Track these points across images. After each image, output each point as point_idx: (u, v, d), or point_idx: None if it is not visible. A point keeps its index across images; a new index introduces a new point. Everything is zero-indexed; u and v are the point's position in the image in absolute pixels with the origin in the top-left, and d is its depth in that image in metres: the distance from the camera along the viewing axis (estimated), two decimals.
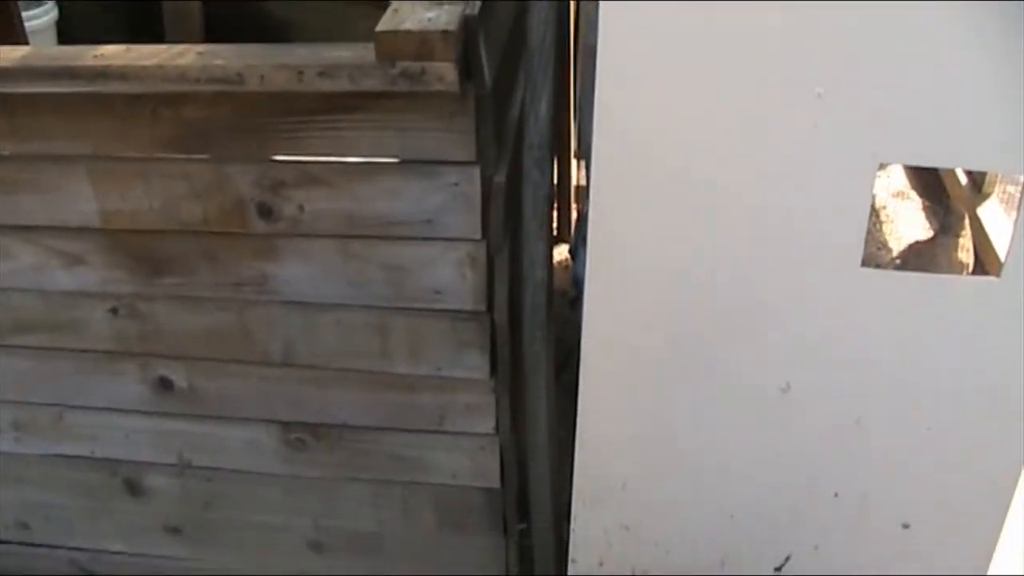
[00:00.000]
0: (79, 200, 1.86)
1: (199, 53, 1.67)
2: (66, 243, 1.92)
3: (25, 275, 1.96)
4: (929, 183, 2.37)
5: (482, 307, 1.85)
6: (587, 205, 1.76)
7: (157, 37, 3.75)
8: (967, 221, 2.01)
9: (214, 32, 3.80)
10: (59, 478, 2.24)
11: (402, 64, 1.59)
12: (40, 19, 3.42)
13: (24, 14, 3.07)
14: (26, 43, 2.92)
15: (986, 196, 2.27)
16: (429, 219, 1.77)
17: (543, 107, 1.74)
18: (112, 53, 1.70)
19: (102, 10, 3.79)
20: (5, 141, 1.82)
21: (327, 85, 1.63)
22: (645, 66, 1.62)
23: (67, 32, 3.62)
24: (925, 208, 2.27)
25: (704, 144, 1.67)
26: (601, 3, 1.59)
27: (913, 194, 2.33)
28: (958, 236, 2.02)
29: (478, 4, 1.68)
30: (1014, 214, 1.69)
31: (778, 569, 2.08)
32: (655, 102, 1.65)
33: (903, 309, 1.78)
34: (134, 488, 2.22)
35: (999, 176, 2.24)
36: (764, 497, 1.99)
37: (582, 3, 2.60)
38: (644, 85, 1.63)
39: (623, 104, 1.65)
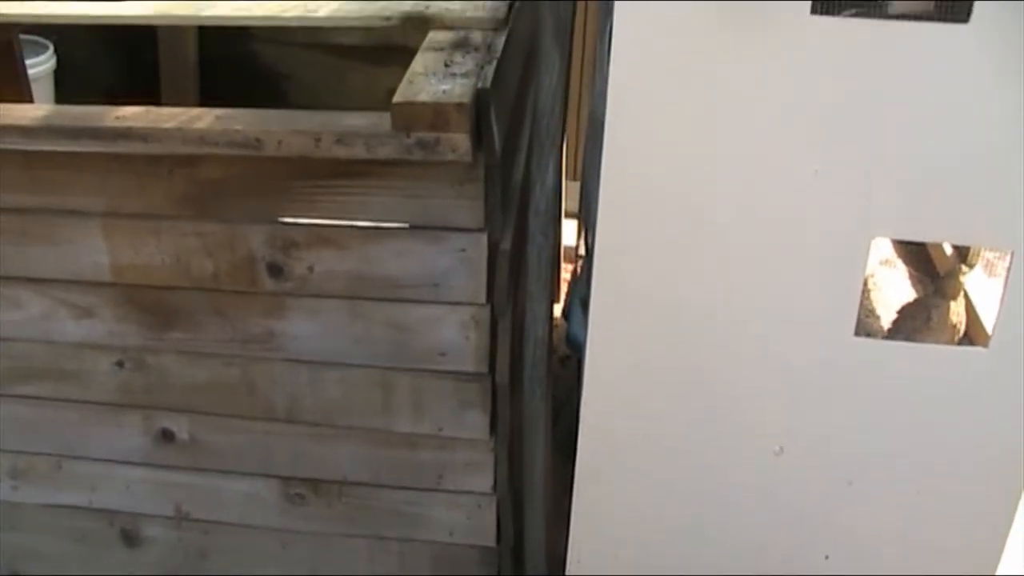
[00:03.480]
0: (92, 253, 1.89)
1: (218, 117, 1.72)
2: (76, 295, 1.95)
3: (33, 324, 1.99)
4: (915, 251, 2.43)
5: (484, 368, 1.89)
6: (583, 268, 1.81)
7: (152, 83, 3.80)
8: (953, 290, 2.07)
9: (209, 78, 3.84)
10: (55, 527, 2.25)
11: (417, 134, 1.64)
12: (40, 67, 3.45)
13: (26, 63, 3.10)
14: (29, 92, 2.95)
15: (972, 265, 2.33)
16: (436, 283, 1.81)
17: (550, 174, 1.79)
18: (133, 115, 1.75)
19: (99, 57, 3.82)
20: (23, 194, 1.86)
21: (343, 152, 1.67)
22: (650, 140, 1.68)
23: (65, 79, 3.66)
24: (911, 276, 2.33)
25: (704, 218, 1.72)
26: (610, 77, 1.65)
27: (900, 262, 2.39)
28: (945, 305, 2.07)
29: (490, 75, 1.74)
30: (995, 279, 1.75)
31: None
32: (658, 175, 1.70)
33: (894, 377, 1.83)
34: (130, 538, 2.23)
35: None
36: (756, 558, 2.02)
37: (586, 74, 2.70)
38: (649, 158, 1.69)
39: (628, 176, 1.71)
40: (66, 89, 3.65)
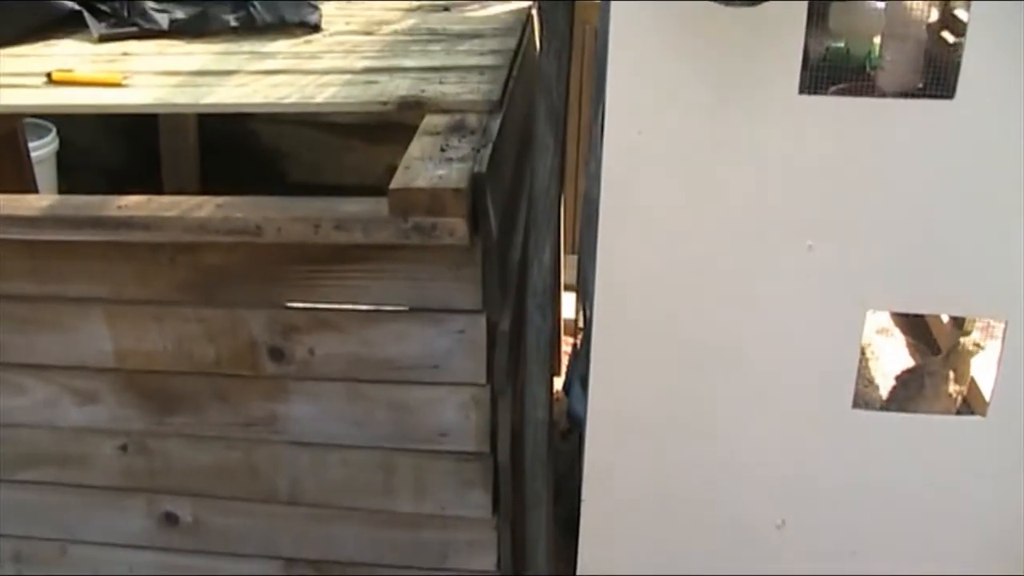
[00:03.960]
0: (95, 340, 1.91)
1: (218, 205, 1.75)
2: (80, 381, 1.97)
3: (37, 411, 2.00)
4: (912, 320, 2.44)
5: (486, 448, 1.90)
6: (582, 342, 1.82)
7: (154, 163, 3.85)
8: (956, 363, 2.08)
9: (209, 156, 3.89)
10: None
11: (414, 219, 1.67)
12: (43, 150, 3.49)
13: (29, 145, 3.14)
14: (33, 178, 2.99)
15: (967, 333, 2.34)
16: (436, 364, 1.83)
17: (547, 255, 1.82)
18: (134, 204, 1.78)
19: (101, 139, 3.87)
20: (26, 282, 1.89)
21: (342, 237, 1.70)
22: (644, 220, 1.70)
23: (67, 161, 3.70)
24: (909, 345, 2.34)
25: (700, 294, 1.75)
26: (604, 157, 1.68)
27: (897, 331, 2.40)
28: (942, 374, 2.08)
29: (486, 159, 1.77)
30: (993, 340, 1.76)
31: None
32: (653, 253, 1.72)
33: (893, 448, 1.84)
34: None
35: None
36: None
37: (582, 156, 2.75)
38: (643, 238, 1.72)
39: (622, 257, 1.73)
40: (68, 170, 3.70)
